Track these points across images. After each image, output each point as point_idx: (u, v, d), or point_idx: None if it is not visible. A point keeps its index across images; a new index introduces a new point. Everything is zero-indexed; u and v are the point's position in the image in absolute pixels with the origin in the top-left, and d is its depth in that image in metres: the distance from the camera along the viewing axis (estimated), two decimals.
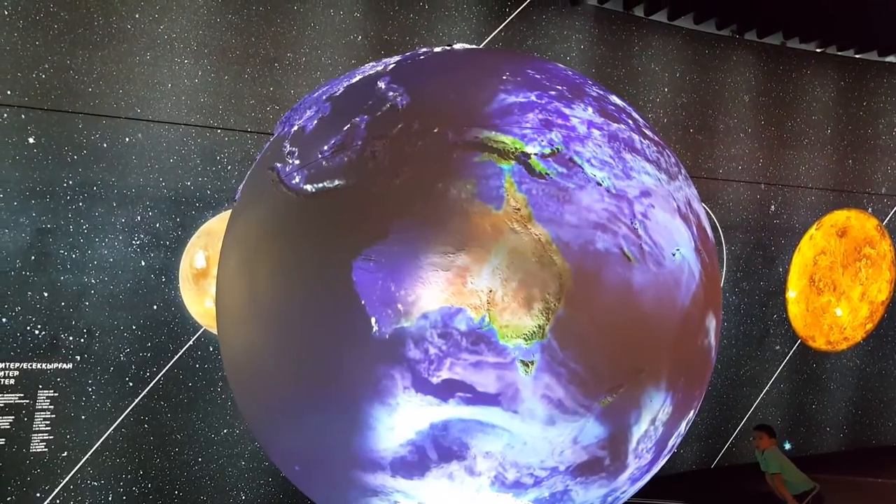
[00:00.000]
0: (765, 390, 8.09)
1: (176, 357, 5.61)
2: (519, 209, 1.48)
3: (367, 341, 1.45)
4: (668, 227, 1.66)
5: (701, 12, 7.34)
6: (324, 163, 1.59)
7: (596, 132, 1.67)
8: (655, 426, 1.71)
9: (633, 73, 7.30)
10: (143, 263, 5.49)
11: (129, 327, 5.46)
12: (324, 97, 1.84)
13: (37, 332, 5.21)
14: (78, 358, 5.32)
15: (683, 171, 1.89)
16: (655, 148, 1.81)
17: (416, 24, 6.31)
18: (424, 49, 1.96)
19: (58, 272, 5.26)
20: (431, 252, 1.44)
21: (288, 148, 1.73)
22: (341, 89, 1.83)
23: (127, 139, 5.40)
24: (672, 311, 1.64)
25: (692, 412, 1.93)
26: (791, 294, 8.08)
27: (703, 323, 1.77)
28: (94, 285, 5.36)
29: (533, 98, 1.66)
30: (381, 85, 1.72)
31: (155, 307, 5.53)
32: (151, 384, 5.54)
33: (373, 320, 1.44)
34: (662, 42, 7.41)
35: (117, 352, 5.43)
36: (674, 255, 1.64)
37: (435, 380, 1.45)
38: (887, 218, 8.63)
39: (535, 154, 1.56)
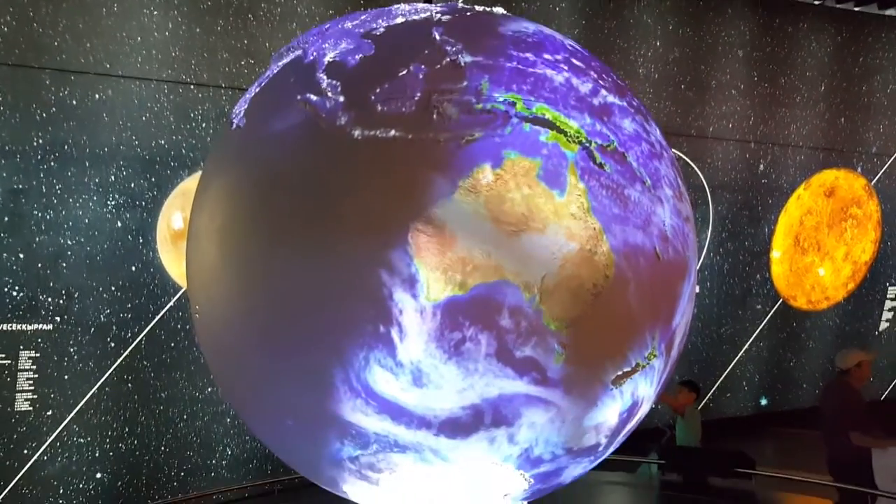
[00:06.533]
0: (744, 349, 8.22)
1: (157, 318, 5.61)
2: (580, 196, 1.51)
3: (424, 305, 1.45)
4: (694, 245, 1.85)
5: None
6: (378, 107, 1.49)
7: (665, 153, 1.79)
8: (638, 421, 1.83)
9: (624, 26, 7.04)
10: (119, 224, 5.40)
11: (109, 288, 5.43)
12: (358, 32, 1.68)
13: (14, 293, 5.18)
14: (58, 319, 5.31)
15: None
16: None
17: None
18: (462, 4, 1.86)
19: (33, 234, 5.17)
20: (494, 224, 1.44)
21: (326, 81, 1.58)
22: (382, 29, 1.68)
23: (97, 96, 5.21)
24: (677, 311, 1.75)
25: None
26: (775, 254, 8.08)
27: (685, 329, 1.89)
28: (71, 246, 5.29)
29: (624, 104, 1.71)
30: (436, 35, 1.61)
31: (133, 268, 5.49)
32: (133, 344, 5.56)
33: (425, 285, 1.43)
34: None
35: (97, 313, 5.42)
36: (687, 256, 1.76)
37: (519, 354, 1.47)
38: (876, 178, 8.55)
39: (596, 146, 1.58)
